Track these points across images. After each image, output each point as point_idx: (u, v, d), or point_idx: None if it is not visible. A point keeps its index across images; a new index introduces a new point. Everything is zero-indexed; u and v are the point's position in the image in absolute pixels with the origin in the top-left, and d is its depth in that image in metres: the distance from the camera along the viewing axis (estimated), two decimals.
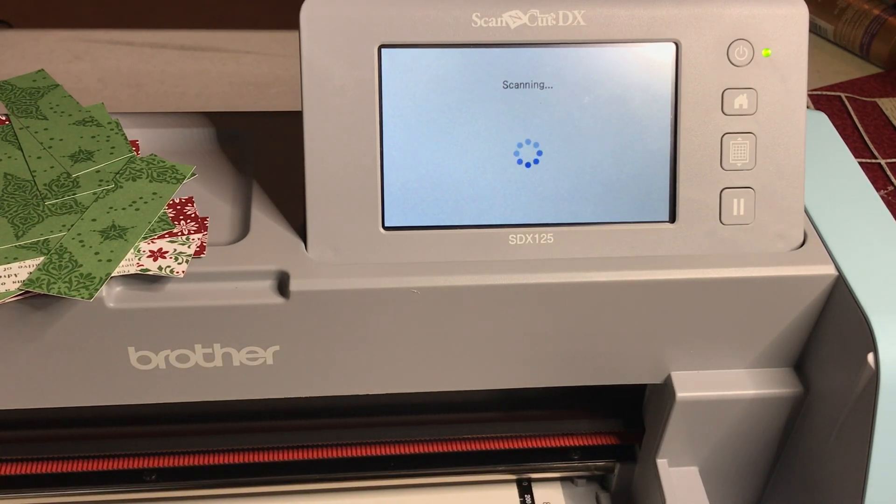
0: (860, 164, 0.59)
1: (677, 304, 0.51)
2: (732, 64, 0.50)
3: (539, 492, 0.65)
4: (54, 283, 0.46)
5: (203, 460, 0.60)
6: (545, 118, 0.50)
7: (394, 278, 0.49)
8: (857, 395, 0.50)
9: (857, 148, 1.00)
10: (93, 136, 0.55)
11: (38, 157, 0.53)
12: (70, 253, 0.47)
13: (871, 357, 0.49)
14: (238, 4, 1.23)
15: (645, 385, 0.60)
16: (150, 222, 0.49)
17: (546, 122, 0.50)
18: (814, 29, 1.17)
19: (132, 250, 0.48)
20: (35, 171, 0.52)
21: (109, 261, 0.47)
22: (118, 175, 0.52)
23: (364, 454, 0.61)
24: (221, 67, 1.06)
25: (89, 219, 0.49)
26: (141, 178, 0.52)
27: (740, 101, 0.51)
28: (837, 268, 0.51)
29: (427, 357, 0.52)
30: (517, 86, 0.50)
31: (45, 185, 0.51)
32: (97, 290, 0.45)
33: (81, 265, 0.47)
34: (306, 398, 0.54)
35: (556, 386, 0.55)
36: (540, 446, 0.62)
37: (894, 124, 1.04)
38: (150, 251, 0.48)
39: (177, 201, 0.52)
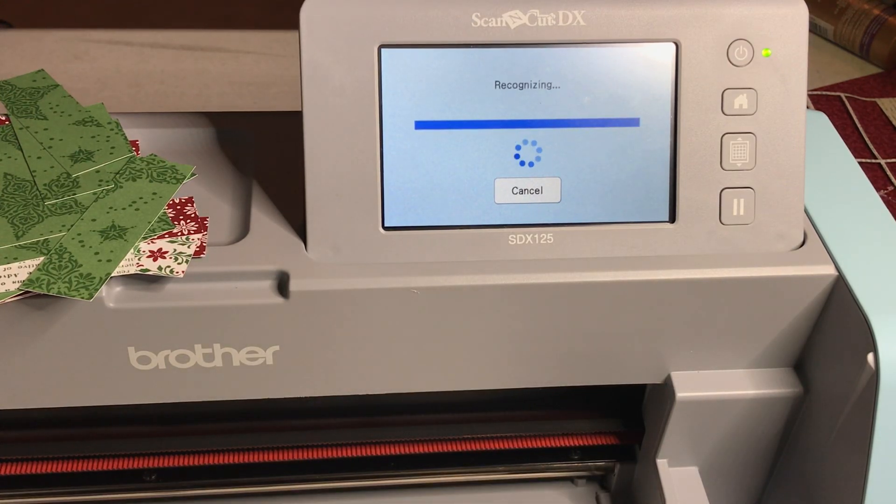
0: (860, 164, 0.59)
1: (677, 304, 0.51)
2: (732, 64, 0.50)
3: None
4: (54, 283, 0.46)
5: (203, 460, 0.60)
6: (545, 118, 0.50)
7: (394, 278, 0.49)
8: (857, 395, 0.50)
9: (857, 148, 1.00)
10: (93, 136, 0.55)
11: (38, 157, 0.53)
12: (70, 253, 0.47)
13: (871, 357, 0.49)
14: (238, 4, 1.23)
15: (645, 385, 0.60)
16: (150, 222, 0.49)
17: (546, 122, 0.50)
18: (814, 29, 1.17)
19: (132, 250, 0.48)
20: (35, 171, 0.52)
21: (109, 261, 0.47)
22: (118, 175, 0.52)
23: (364, 454, 0.61)
24: (221, 67, 1.06)
25: (89, 219, 0.49)
26: (141, 178, 0.52)
27: (740, 101, 0.51)
28: (837, 268, 0.51)
29: (427, 357, 0.52)
30: (517, 86, 0.50)
31: (45, 185, 0.51)
32: (97, 290, 0.45)
33: (81, 265, 0.47)
34: (306, 398, 0.54)
35: (556, 386, 0.55)
36: (540, 446, 0.62)
37: (894, 124, 1.04)
38: (149, 251, 0.48)
39: (177, 201, 0.52)
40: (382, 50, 0.49)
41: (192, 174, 0.53)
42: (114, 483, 0.60)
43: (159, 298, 0.48)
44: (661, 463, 0.59)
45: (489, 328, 0.51)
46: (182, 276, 0.47)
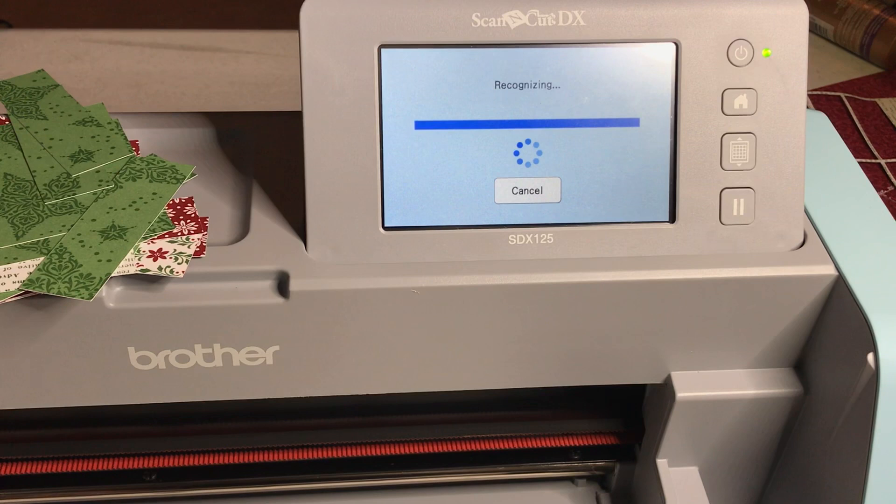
0: (860, 164, 0.59)
1: (677, 304, 0.51)
2: (732, 64, 0.50)
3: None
4: (54, 283, 0.46)
5: (203, 460, 0.60)
6: (545, 118, 0.50)
7: (394, 278, 0.49)
8: (857, 395, 0.50)
9: (857, 148, 1.00)
10: (93, 136, 0.55)
11: (38, 157, 0.53)
12: (70, 253, 0.47)
13: (871, 357, 0.49)
14: (238, 4, 1.23)
15: (645, 385, 0.60)
16: (150, 222, 0.49)
17: (546, 122, 0.50)
18: (814, 29, 1.17)
19: (132, 250, 0.48)
20: (35, 171, 0.52)
21: (109, 261, 0.47)
22: (118, 175, 0.52)
23: (364, 454, 0.61)
24: (221, 67, 1.06)
25: (89, 219, 0.49)
26: (141, 178, 0.52)
27: (740, 101, 0.51)
28: (837, 268, 0.51)
29: (427, 357, 0.52)
30: (517, 86, 0.50)
31: (45, 185, 0.51)
32: (97, 290, 0.45)
33: (81, 265, 0.47)
34: (306, 398, 0.54)
35: (556, 386, 0.55)
36: (540, 446, 0.62)
37: (894, 124, 1.04)
38: (149, 251, 0.48)
39: (177, 201, 0.52)
40: (382, 50, 0.49)
41: (192, 174, 0.53)
42: (114, 483, 0.60)
43: (159, 298, 0.48)
44: (661, 463, 0.59)
45: (489, 328, 0.51)
46: (182, 276, 0.47)
